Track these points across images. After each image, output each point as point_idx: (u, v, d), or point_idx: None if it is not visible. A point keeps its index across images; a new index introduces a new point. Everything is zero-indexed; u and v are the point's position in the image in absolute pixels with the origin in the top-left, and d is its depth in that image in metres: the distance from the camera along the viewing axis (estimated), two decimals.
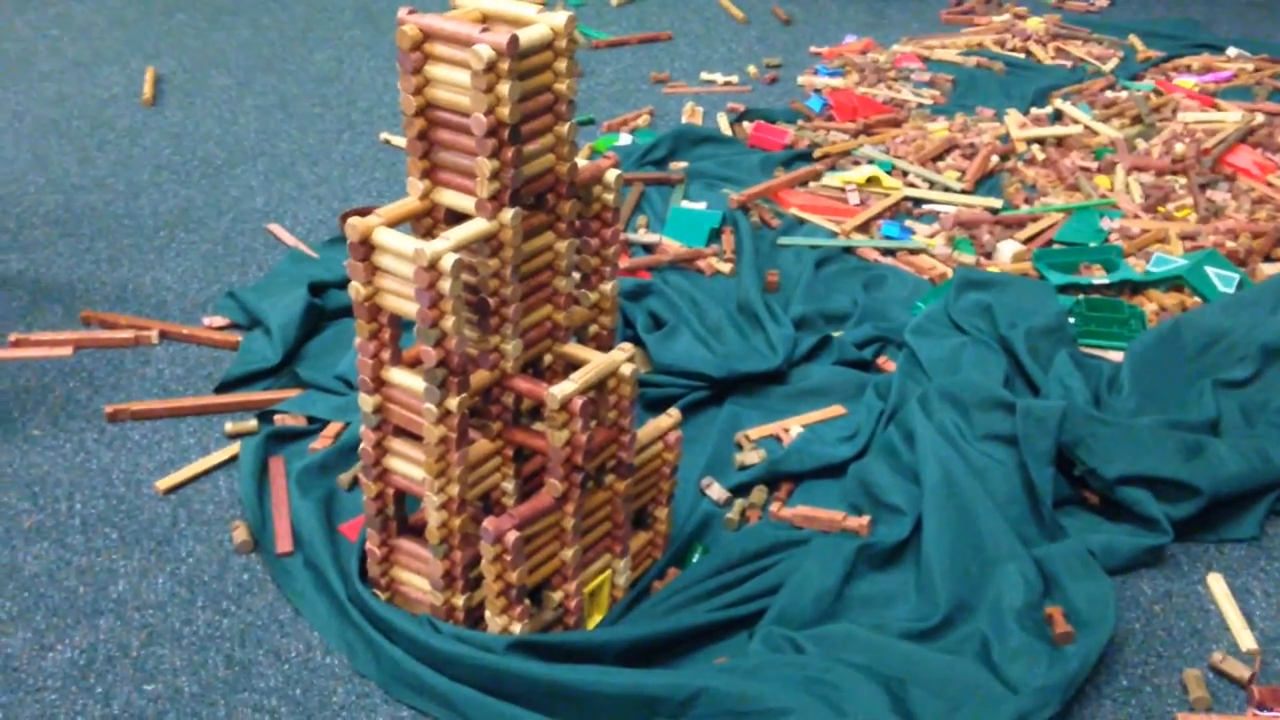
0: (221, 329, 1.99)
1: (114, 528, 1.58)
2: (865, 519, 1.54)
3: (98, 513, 1.60)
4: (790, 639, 1.35)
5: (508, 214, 1.19)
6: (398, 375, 1.26)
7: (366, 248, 1.20)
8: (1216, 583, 1.52)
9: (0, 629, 1.42)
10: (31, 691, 1.34)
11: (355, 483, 1.62)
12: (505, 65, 1.12)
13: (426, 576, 1.37)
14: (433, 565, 1.34)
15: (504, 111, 1.14)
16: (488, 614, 1.33)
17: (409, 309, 1.20)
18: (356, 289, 1.22)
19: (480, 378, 1.28)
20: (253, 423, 1.74)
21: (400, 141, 2.66)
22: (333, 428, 1.71)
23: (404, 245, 1.17)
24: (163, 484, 1.64)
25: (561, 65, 1.19)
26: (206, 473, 1.67)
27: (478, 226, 1.19)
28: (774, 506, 1.59)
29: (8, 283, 2.11)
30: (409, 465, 1.31)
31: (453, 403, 1.22)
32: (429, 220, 1.27)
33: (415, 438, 1.29)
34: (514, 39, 1.12)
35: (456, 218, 1.24)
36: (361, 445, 1.33)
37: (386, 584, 1.42)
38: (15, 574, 1.50)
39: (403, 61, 1.18)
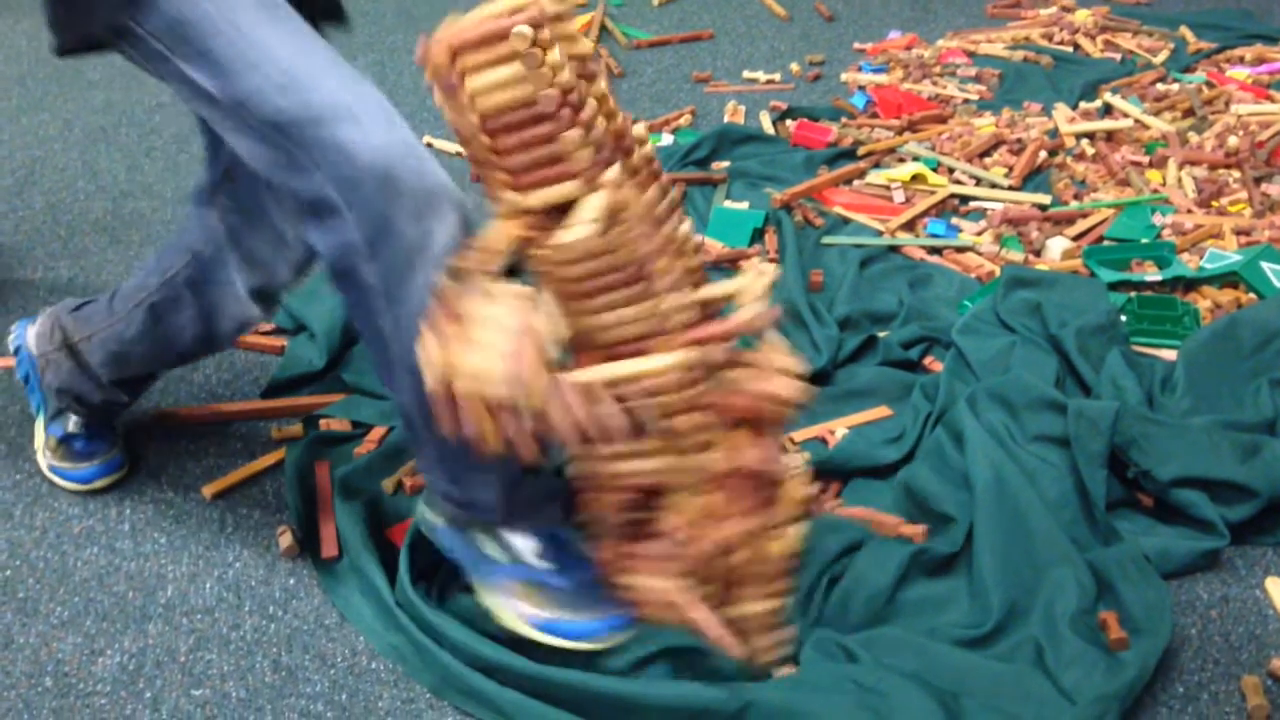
0: (268, 334, 2.01)
1: (162, 532, 1.59)
2: (921, 527, 1.52)
3: (146, 518, 1.62)
4: (842, 645, 1.33)
5: (613, 172, 1.12)
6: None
7: None
8: (1275, 587, 1.48)
9: (51, 634, 1.44)
10: (82, 696, 1.35)
11: (399, 487, 1.63)
12: (547, 33, 1.10)
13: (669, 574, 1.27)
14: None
15: (564, 77, 1.09)
16: None
17: None
18: None
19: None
20: (298, 427, 1.75)
21: (443, 145, 2.66)
22: (377, 432, 1.72)
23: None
24: (210, 489, 1.65)
25: (570, 28, 1.13)
26: (253, 477, 1.68)
27: (596, 200, 1.12)
28: (831, 503, 1.56)
29: (57, 289, 2.14)
30: (643, 461, 1.22)
31: None
32: (529, 227, 1.18)
33: (642, 431, 1.19)
34: (540, 7, 1.09)
35: (551, 215, 1.16)
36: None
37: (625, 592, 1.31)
38: (66, 579, 1.52)
39: (441, 86, 1.14)
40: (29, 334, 1.65)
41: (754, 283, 1.23)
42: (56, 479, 1.66)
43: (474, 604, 1.39)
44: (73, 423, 1.64)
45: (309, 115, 1.17)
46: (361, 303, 1.23)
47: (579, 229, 1.10)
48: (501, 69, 1.12)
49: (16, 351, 1.68)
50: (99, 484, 1.65)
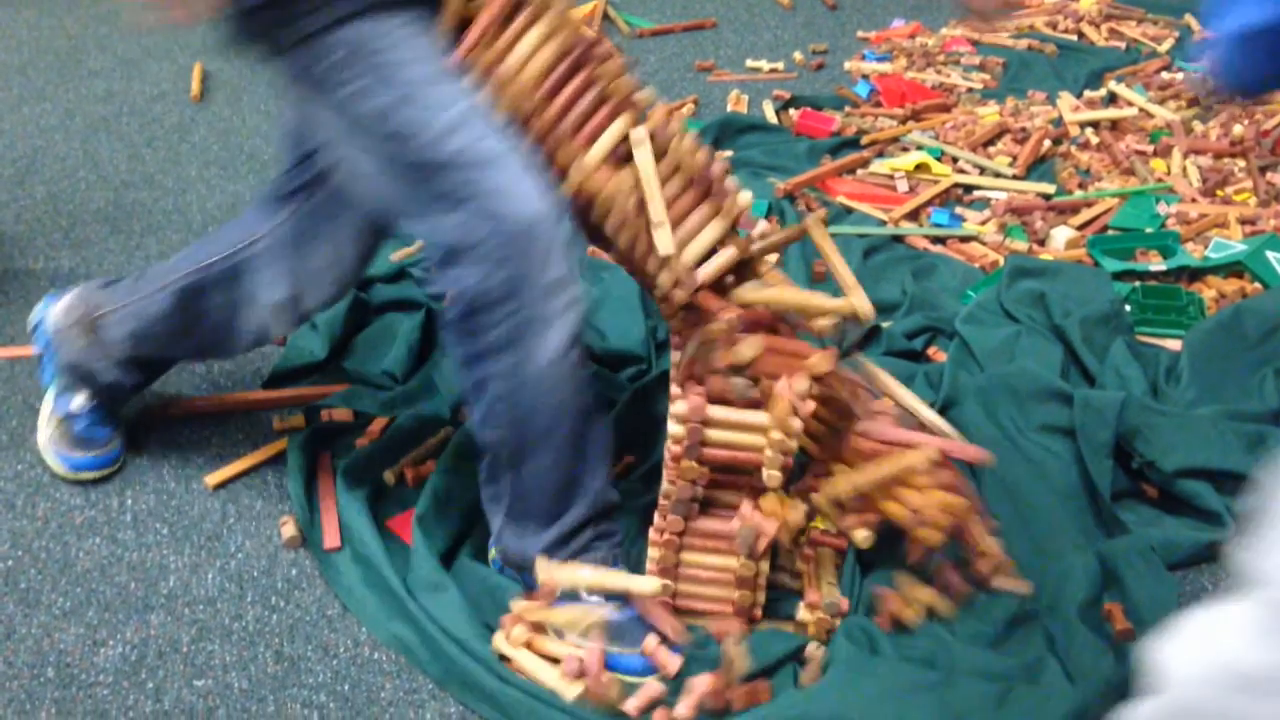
0: None
1: (164, 523, 1.59)
2: None
3: (148, 508, 1.61)
4: (867, 632, 1.33)
5: (646, 90, 1.21)
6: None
7: None
8: None
9: (54, 624, 1.44)
10: (84, 687, 1.35)
11: (401, 478, 1.62)
12: None
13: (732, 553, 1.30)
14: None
15: (578, 15, 1.17)
16: None
17: None
18: None
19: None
20: (300, 418, 1.75)
21: None
22: (378, 423, 1.71)
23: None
24: (212, 479, 1.65)
25: None
26: (255, 468, 1.68)
27: (644, 146, 1.21)
28: None
29: (58, 279, 2.13)
30: (747, 435, 1.26)
31: None
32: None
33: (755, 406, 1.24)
34: None
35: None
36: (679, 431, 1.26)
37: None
38: (68, 570, 1.52)
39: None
40: (52, 309, 1.65)
41: (814, 226, 1.28)
42: (48, 458, 1.65)
43: (477, 597, 1.39)
44: (77, 402, 1.64)
45: (473, 159, 1.20)
46: (472, 347, 1.27)
47: (663, 242, 1.18)
48: (529, 34, 1.16)
49: (37, 326, 1.69)
50: (86, 476, 1.65)
